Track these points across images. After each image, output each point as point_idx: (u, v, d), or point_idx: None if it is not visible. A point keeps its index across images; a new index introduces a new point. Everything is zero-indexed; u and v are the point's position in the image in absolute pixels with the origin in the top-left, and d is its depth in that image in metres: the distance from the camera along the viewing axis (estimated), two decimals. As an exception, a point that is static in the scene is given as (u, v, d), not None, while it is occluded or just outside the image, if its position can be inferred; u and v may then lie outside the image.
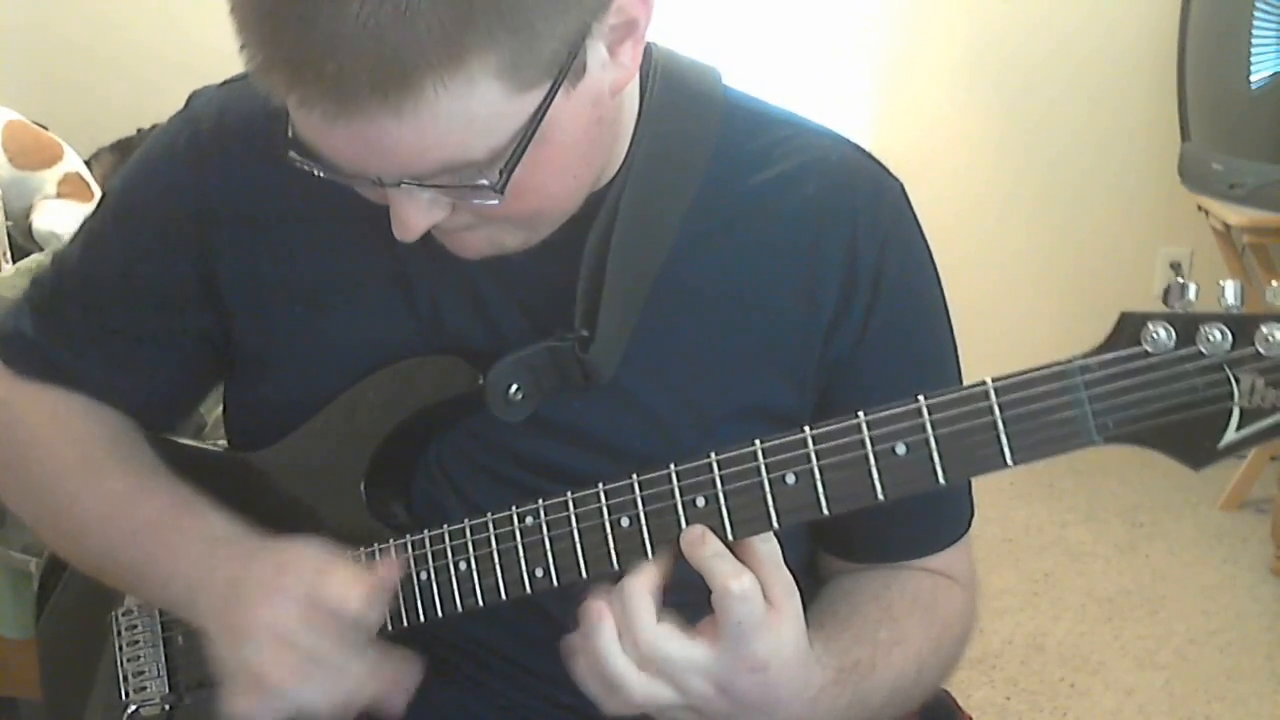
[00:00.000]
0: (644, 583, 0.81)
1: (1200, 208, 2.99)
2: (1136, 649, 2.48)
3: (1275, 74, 2.75)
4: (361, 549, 0.94)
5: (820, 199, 0.95)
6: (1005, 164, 3.38)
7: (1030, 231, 3.42)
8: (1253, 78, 2.78)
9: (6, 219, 2.65)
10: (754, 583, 0.80)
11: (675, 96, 0.93)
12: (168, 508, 0.97)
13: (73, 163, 2.89)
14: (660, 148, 0.92)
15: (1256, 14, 2.76)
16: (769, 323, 0.95)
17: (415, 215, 0.80)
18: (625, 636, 0.80)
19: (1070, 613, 2.62)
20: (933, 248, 1.00)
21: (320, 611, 0.88)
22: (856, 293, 0.95)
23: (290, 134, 0.80)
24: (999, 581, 2.72)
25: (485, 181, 0.77)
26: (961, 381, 1.00)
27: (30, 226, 2.74)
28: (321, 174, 0.81)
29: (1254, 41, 2.77)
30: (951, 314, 1.01)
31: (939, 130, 3.34)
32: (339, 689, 0.89)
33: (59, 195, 2.80)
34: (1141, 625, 2.57)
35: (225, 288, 0.98)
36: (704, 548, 0.81)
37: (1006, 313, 3.43)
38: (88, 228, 1.05)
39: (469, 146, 0.75)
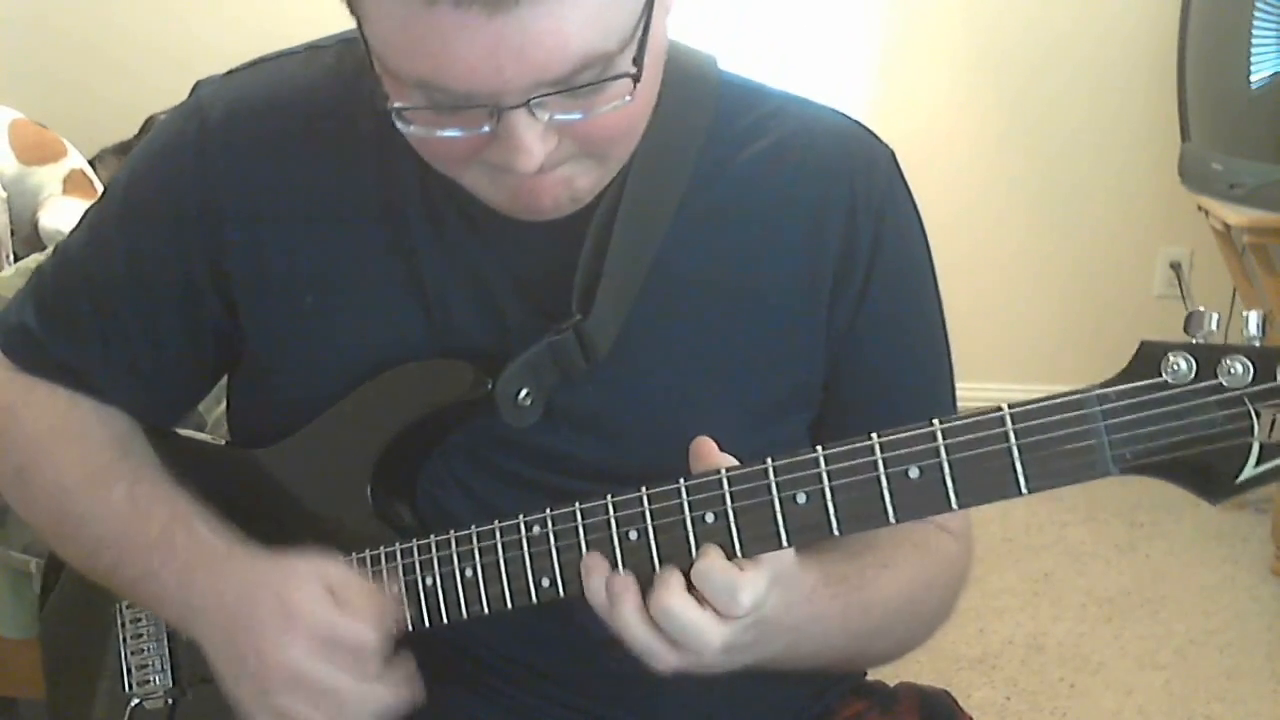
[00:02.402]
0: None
1: (1200, 208, 2.99)
2: (1136, 649, 2.49)
3: (1275, 74, 2.75)
4: (368, 550, 0.94)
5: (815, 171, 0.96)
6: (1005, 164, 3.37)
7: (1030, 231, 3.41)
8: (1253, 78, 2.78)
9: (11, 220, 2.65)
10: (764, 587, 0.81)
11: (672, 84, 0.93)
12: (164, 522, 0.97)
13: (76, 160, 2.89)
14: (660, 129, 0.92)
15: (1256, 14, 2.75)
16: (771, 300, 0.96)
17: (535, 140, 0.79)
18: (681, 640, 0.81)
19: (1070, 613, 2.63)
20: (932, 246, 1.02)
21: (336, 650, 0.88)
22: (855, 264, 0.96)
23: (386, 93, 0.79)
24: (999, 581, 2.72)
25: (624, 71, 0.78)
26: (949, 351, 1.03)
27: (36, 224, 2.74)
28: (424, 126, 0.80)
29: (1254, 41, 2.76)
30: (951, 313, 1.03)
31: (938, 130, 3.34)
32: (367, 709, 0.89)
33: (64, 193, 2.80)
34: (1141, 625, 2.57)
35: (234, 284, 0.98)
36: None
37: (1006, 312, 3.43)
38: (91, 221, 1.03)
39: (607, 32, 0.75)
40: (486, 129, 0.78)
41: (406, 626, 0.92)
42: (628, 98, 0.79)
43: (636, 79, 0.78)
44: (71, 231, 1.04)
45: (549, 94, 0.76)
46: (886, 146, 1.01)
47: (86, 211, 1.05)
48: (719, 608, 0.80)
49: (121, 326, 1.00)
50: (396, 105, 0.79)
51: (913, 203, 1.01)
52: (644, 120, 0.87)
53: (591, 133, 0.82)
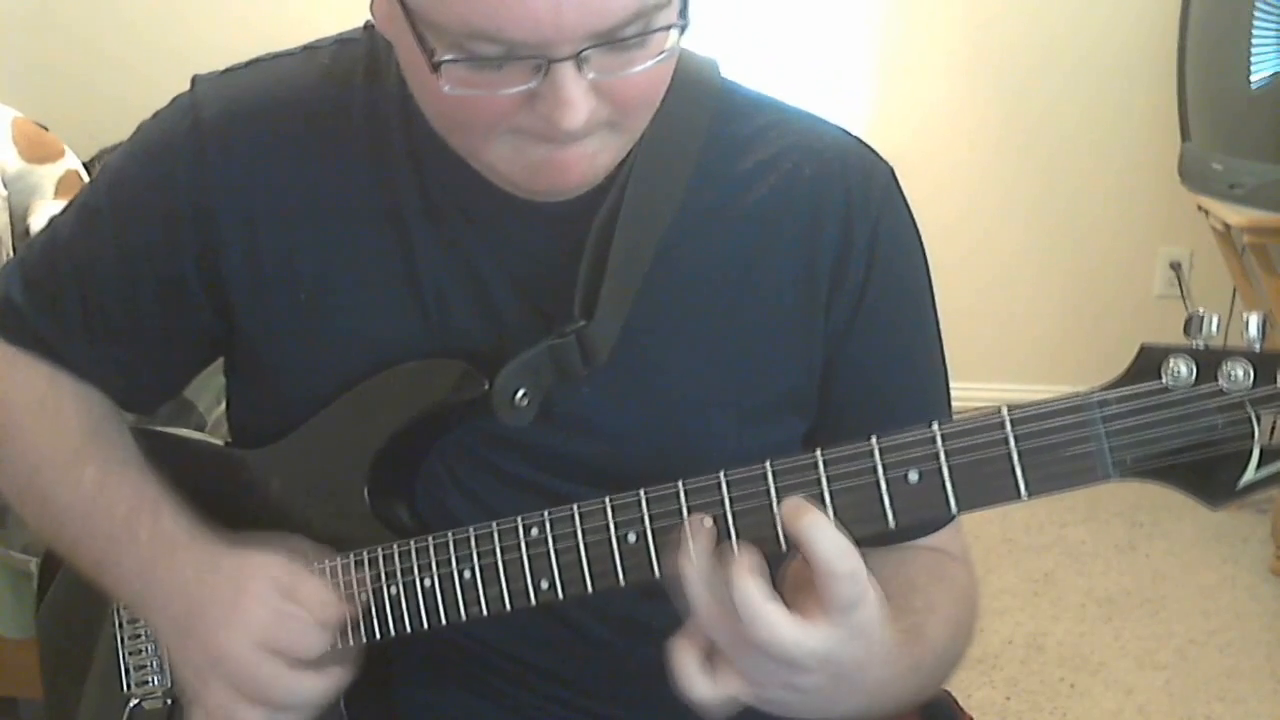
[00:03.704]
0: (751, 566, 0.77)
1: (1200, 208, 2.99)
2: (1136, 649, 2.49)
3: (1275, 74, 2.75)
4: (365, 551, 0.94)
5: (813, 179, 0.96)
6: (1004, 164, 3.37)
7: (1030, 231, 3.41)
8: (1253, 78, 2.77)
9: (10, 218, 2.65)
10: (859, 561, 0.76)
11: (674, 85, 0.92)
12: (128, 509, 0.98)
13: (72, 162, 2.88)
14: (661, 133, 0.92)
15: (1256, 14, 2.75)
16: (768, 304, 0.96)
17: (581, 95, 0.79)
18: (747, 625, 0.76)
19: (1070, 613, 2.63)
20: (931, 247, 1.02)
21: (278, 639, 0.90)
22: (850, 269, 0.96)
23: (433, 47, 0.78)
24: (999, 581, 2.72)
25: (670, 23, 0.79)
26: (945, 366, 1.03)
27: (27, 229, 2.73)
28: (465, 87, 0.79)
29: (1254, 41, 2.76)
30: (951, 314, 1.03)
31: (937, 131, 3.34)
32: (297, 699, 0.91)
33: (56, 196, 2.80)
34: (1141, 625, 2.57)
35: (228, 285, 0.97)
36: (802, 519, 0.77)
37: (1006, 312, 3.43)
38: (83, 206, 1.03)
39: None
40: (533, 84, 0.78)
41: (360, 634, 0.94)
42: (664, 52, 0.80)
43: (683, 29, 0.80)
44: (63, 211, 1.04)
45: (598, 45, 0.77)
46: (886, 163, 1.00)
47: (80, 194, 1.04)
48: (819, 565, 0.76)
49: (107, 317, 1.01)
50: (445, 58, 0.78)
51: (911, 218, 1.01)
52: (665, 87, 0.87)
53: (626, 94, 0.82)
